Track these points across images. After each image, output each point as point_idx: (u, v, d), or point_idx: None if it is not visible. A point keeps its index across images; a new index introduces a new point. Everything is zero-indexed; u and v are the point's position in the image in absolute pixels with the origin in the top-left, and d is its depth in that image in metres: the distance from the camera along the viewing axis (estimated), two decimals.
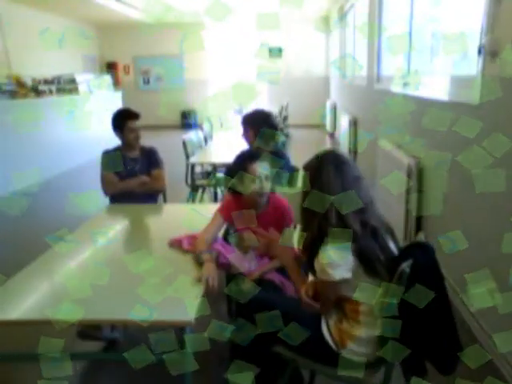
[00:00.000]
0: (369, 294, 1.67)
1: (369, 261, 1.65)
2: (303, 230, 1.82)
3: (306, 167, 1.82)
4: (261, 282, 2.12)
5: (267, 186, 2.28)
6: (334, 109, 10.49)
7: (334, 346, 1.76)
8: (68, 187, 6.79)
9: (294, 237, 2.22)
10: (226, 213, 2.35)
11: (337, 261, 1.64)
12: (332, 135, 10.67)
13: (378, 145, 4.79)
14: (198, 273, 1.99)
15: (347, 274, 1.65)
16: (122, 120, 3.24)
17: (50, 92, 8.04)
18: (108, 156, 3.26)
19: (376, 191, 4.53)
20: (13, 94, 6.92)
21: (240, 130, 3.46)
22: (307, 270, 2.01)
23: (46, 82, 8.28)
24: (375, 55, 5.63)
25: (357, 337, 1.72)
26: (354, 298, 1.70)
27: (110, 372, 2.52)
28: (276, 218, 2.35)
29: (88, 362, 2.56)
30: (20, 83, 7.44)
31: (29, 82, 7.80)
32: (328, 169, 1.72)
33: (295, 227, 2.40)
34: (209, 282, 1.90)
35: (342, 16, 9.03)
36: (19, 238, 4.55)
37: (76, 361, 2.50)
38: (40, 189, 6.60)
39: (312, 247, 1.73)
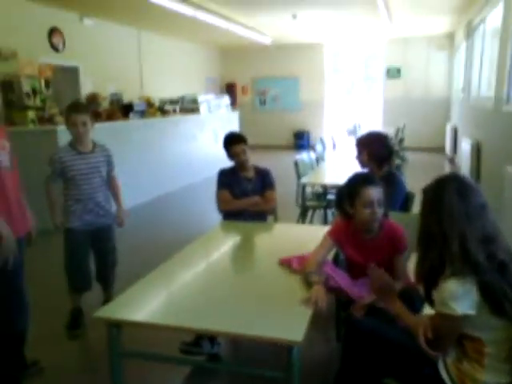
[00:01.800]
0: (496, 336, 1.53)
1: (495, 298, 1.51)
2: (421, 258, 1.73)
3: (426, 191, 1.72)
4: (372, 309, 2.04)
5: (379, 210, 2.21)
6: (455, 132, 9.89)
7: None
8: (187, 202, 7.23)
9: (408, 265, 2.12)
10: (336, 236, 2.33)
11: (460, 294, 1.52)
12: (452, 160, 10.06)
13: (506, 172, 4.41)
14: (307, 294, 1.99)
15: (470, 311, 1.52)
16: (229, 144, 3.38)
17: (174, 111, 8.67)
18: (224, 175, 3.41)
19: (503, 224, 4.16)
20: (143, 114, 7.60)
21: (353, 151, 3.42)
22: (422, 302, 1.90)
23: (172, 102, 8.95)
24: (506, 73, 5.21)
25: (481, 382, 1.58)
26: (478, 337, 1.57)
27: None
28: (389, 245, 2.27)
29: (191, 372, 2.65)
30: (150, 103, 8.14)
31: (157, 103, 8.51)
32: (451, 194, 1.61)
33: (409, 254, 2.30)
34: (317, 303, 1.89)
35: (470, 31, 8.53)
36: (141, 248, 4.93)
37: (181, 366, 2.62)
38: (161, 202, 7.12)
39: (430, 277, 1.62)
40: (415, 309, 2.07)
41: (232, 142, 3.37)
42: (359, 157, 3.25)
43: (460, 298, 1.51)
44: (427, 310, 1.87)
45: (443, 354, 1.69)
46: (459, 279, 1.52)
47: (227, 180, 3.37)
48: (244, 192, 3.35)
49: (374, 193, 2.21)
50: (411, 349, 1.71)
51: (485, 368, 1.57)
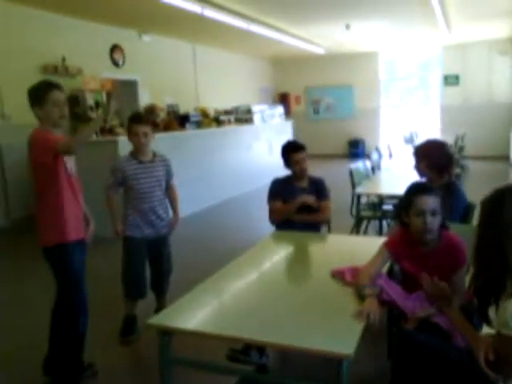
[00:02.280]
0: None
1: None
2: (476, 272, 1.64)
3: (485, 202, 1.63)
4: (426, 324, 1.96)
5: (434, 221, 2.12)
6: None
7: None
8: (241, 211, 7.29)
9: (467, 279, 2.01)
10: (392, 247, 2.26)
11: None
12: None
13: None
14: (359, 306, 1.94)
15: None
16: (288, 153, 3.35)
17: (229, 122, 8.81)
18: (277, 184, 3.40)
19: None
20: (199, 124, 7.78)
21: (411, 160, 3.31)
22: (477, 318, 1.80)
23: (226, 112, 9.11)
24: None
25: None
26: None
27: None
28: (448, 258, 2.16)
29: (238, 382, 2.65)
30: (205, 114, 8.33)
31: (212, 113, 8.69)
32: (511, 206, 1.53)
33: (469, 268, 2.18)
34: (370, 317, 1.84)
35: None
36: (195, 257, 5.02)
37: (228, 376, 2.63)
38: (215, 211, 7.22)
39: (485, 293, 1.54)
40: (474, 325, 1.97)
41: (293, 149, 3.34)
42: (417, 166, 3.13)
43: None
44: (486, 329, 1.77)
45: (506, 378, 1.59)
46: None
47: (280, 189, 3.35)
48: None
49: (428, 202, 2.12)
50: (469, 368, 1.62)
51: None
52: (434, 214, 2.11)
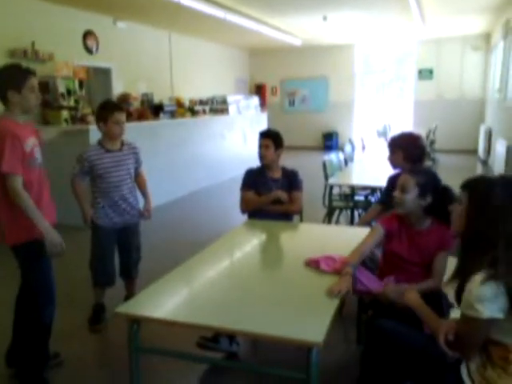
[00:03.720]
0: None
1: None
2: (460, 256, 1.69)
3: (470, 187, 1.67)
4: (398, 313, 1.98)
5: (402, 196, 2.23)
6: (489, 134, 9.62)
7: None
8: (214, 201, 7.27)
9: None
10: (389, 225, 2.32)
11: (489, 297, 1.47)
12: (485, 162, 9.78)
13: None
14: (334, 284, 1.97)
15: (498, 314, 1.47)
16: (260, 136, 3.36)
17: (204, 112, 8.74)
18: (250, 175, 3.40)
19: None
20: (173, 114, 7.69)
21: (385, 152, 3.35)
22: (449, 307, 1.85)
23: (201, 102, 9.03)
24: None
25: None
26: (505, 343, 1.51)
27: (231, 382, 2.60)
28: (437, 241, 2.24)
29: (208, 370, 2.66)
30: (180, 104, 8.24)
31: (187, 103, 8.60)
32: (499, 194, 1.57)
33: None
34: (333, 292, 1.89)
35: (508, 30, 8.27)
36: (165, 246, 4.99)
37: (198, 364, 2.64)
38: (188, 201, 7.19)
39: (465, 277, 1.57)
40: (442, 314, 2.02)
41: (260, 134, 3.37)
42: (392, 157, 3.17)
43: (489, 300, 1.47)
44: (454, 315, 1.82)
45: (466, 358, 1.64)
46: (491, 282, 1.47)
47: (253, 180, 3.36)
48: (269, 192, 3.31)
49: (401, 178, 2.28)
50: (434, 354, 1.66)
51: (510, 375, 1.52)
52: (403, 190, 2.23)
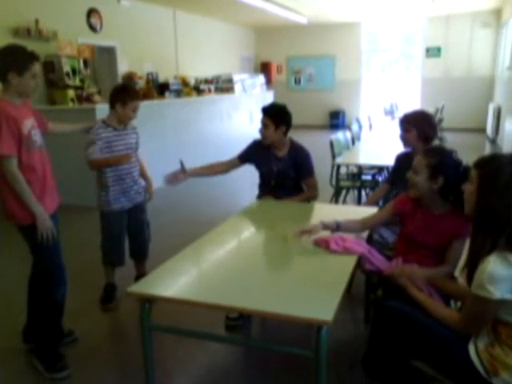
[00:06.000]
0: None
1: None
2: (472, 238, 1.68)
3: (480, 166, 1.64)
4: (405, 294, 1.98)
5: (414, 178, 2.19)
6: (498, 112, 9.50)
7: (483, 372, 1.59)
8: (221, 180, 7.25)
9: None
10: (401, 204, 2.32)
11: (500, 277, 1.47)
12: (493, 141, 9.70)
13: None
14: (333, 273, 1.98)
15: (509, 295, 1.48)
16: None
17: (209, 91, 8.67)
18: (255, 147, 3.28)
19: None
20: (178, 93, 7.64)
21: (391, 131, 3.30)
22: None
23: (207, 81, 8.95)
24: None
25: None
26: None
27: (241, 360, 2.64)
28: (452, 227, 2.16)
29: (218, 348, 2.69)
30: (185, 83, 8.17)
31: (192, 82, 8.53)
32: (510, 170, 1.55)
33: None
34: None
35: None
36: (174, 226, 5.01)
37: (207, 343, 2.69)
38: (195, 180, 7.17)
39: (478, 258, 1.57)
40: (448, 301, 2.04)
41: (261, 110, 3.22)
42: (405, 135, 3.09)
43: (501, 281, 1.47)
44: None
45: (476, 336, 1.66)
46: (502, 261, 1.47)
47: (254, 152, 3.25)
48: (270, 171, 3.20)
49: (415, 160, 2.24)
50: (441, 334, 1.68)
51: None
52: (414, 171, 2.20)
